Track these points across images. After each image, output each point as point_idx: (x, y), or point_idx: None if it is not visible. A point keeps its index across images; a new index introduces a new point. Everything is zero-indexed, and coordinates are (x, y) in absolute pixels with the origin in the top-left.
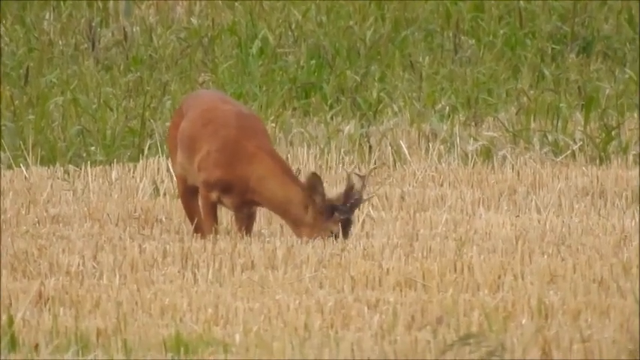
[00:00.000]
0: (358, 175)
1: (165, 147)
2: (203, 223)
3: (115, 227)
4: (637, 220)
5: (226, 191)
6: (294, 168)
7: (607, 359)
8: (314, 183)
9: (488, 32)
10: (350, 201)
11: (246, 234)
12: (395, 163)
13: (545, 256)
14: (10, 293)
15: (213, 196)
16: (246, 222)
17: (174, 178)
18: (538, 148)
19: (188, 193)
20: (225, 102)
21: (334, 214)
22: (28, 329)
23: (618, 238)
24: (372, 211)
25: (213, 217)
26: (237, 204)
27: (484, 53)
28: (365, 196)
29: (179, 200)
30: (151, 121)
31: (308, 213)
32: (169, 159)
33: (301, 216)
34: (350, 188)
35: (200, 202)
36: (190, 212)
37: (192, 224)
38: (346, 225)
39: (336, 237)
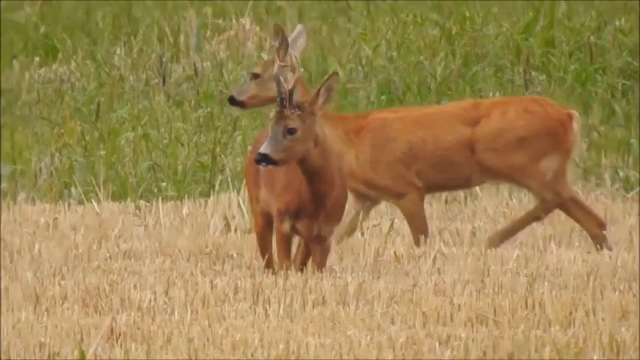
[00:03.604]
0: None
1: (236, 182)
2: (277, 258)
3: (186, 263)
4: None
5: (298, 215)
6: None
7: None
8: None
9: (559, 68)
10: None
11: (318, 269)
12: (466, 199)
13: (617, 292)
14: (82, 329)
15: (286, 226)
16: (319, 256)
17: (245, 214)
18: (609, 184)
19: (267, 229)
20: None
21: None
22: None
23: None
24: (443, 247)
25: (288, 252)
26: (309, 229)
27: (554, 89)
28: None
29: (250, 236)
30: (222, 156)
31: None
32: (244, 195)
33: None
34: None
35: (275, 236)
36: (264, 248)
37: (263, 259)
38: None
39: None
